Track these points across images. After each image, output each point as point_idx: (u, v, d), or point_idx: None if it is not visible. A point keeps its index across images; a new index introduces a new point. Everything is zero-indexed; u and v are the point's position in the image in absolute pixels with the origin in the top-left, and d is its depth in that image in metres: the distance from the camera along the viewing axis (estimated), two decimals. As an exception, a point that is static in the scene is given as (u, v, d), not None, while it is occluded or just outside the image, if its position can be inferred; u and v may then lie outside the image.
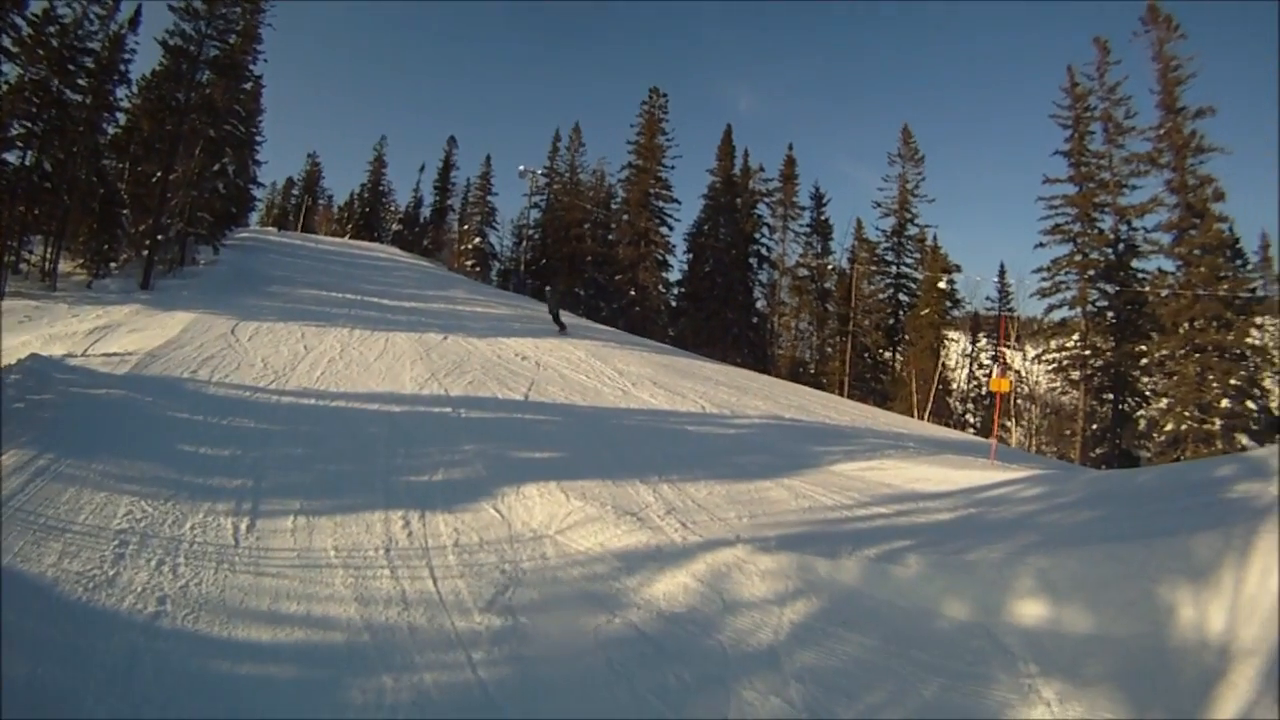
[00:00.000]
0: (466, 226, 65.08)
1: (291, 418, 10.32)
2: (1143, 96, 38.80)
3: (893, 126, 67.68)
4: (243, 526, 6.60)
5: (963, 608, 5.67)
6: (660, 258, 54.49)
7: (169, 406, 9.63)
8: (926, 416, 40.79)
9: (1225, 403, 33.75)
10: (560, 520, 7.58)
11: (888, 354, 51.84)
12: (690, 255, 54.84)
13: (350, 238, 61.22)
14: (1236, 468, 7.35)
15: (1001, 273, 50.87)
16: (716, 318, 49.87)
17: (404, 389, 12.81)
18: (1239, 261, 37.13)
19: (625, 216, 55.37)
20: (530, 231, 59.03)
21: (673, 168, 55.42)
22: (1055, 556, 5.80)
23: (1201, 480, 7.51)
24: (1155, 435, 36.34)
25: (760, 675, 4.99)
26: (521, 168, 56.40)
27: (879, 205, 52.96)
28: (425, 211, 70.60)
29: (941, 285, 47.82)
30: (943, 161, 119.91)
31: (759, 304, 54.85)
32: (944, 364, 48.20)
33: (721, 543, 6.89)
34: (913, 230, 52.25)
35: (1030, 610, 5.50)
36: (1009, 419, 45.74)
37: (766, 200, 55.65)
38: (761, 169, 56.05)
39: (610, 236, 56.23)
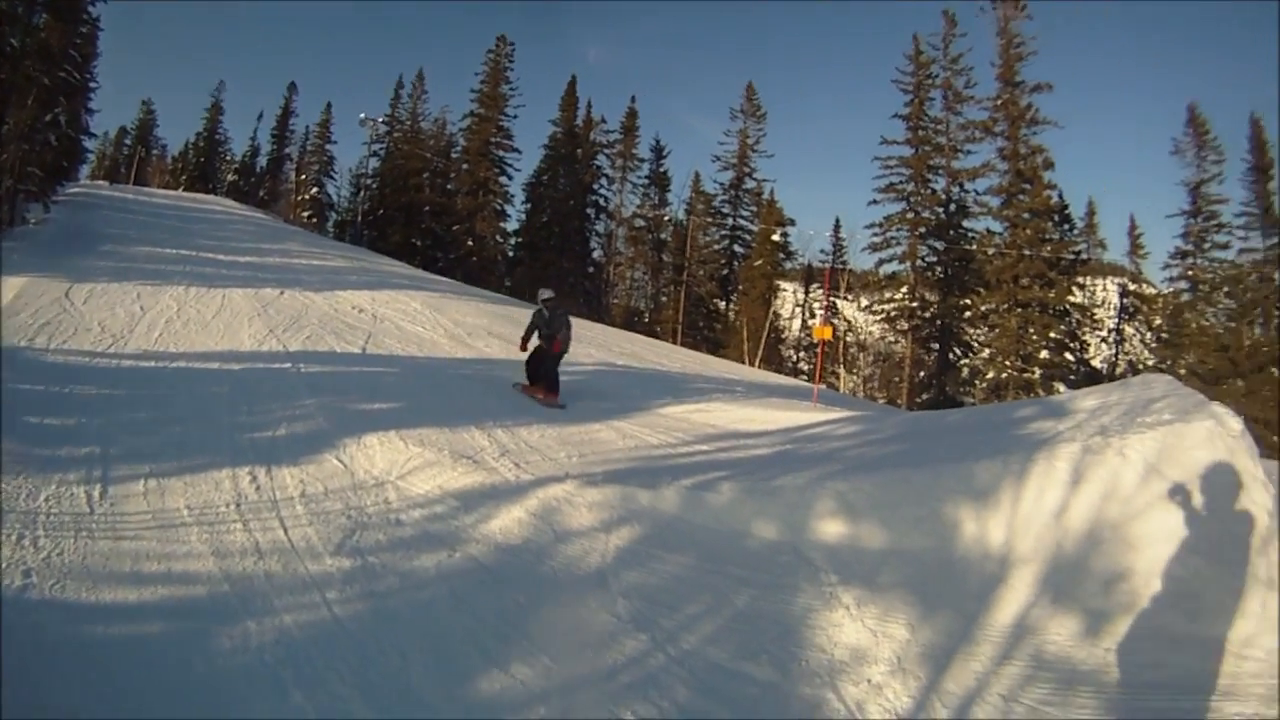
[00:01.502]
0: (304, 176, 63.50)
1: (133, 381, 10.18)
2: (984, 69, 41.51)
3: (738, 82, 69.18)
4: (95, 494, 6.59)
5: (771, 528, 6.37)
6: (499, 207, 55.03)
7: (8, 378, 9.17)
8: (758, 363, 43.20)
9: (1045, 354, 36.88)
10: (400, 466, 7.91)
11: (721, 304, 53.60)
12: (529, 205, 55.29)
13: (184, 190, 58.43)
14: (1036, 409, 8.44)
15: (836, 227, 53.44)
16: (553, 267, 50.26)
17: (243, 346, 12.79)
18: (1066, 226, 40.07)
19: (465, 166, 55.29)
20: (369, 181, 58.31)
21: (515, 117, 55.89)
22: (853, 481, 6.55)
23: (1003, 419, 8.56)
24: (978, 383, 39.49)
25: (591, 594, 5.56)
26: (362, 116, 55.45)
27: (718, 159, 54.47)
28: (262, 161, 68.26)
29: (775, 238, 49.62)
30: (784, 118, 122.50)
31: (595, 254, 56.07)
32: (776, 313, 50.53)
33: (552, 480, 7.42)
34: (750, 184, 54.01)
35: (831, 528, 6.24)
36: (840, 366, 48.20)
37: (607, 151, 56.51)
38: (603, 120, 56.81)
39: (449, 186, 56.16)
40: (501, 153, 55.15)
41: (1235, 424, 6.63)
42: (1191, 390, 7.59)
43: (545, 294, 12.91)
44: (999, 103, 40.86)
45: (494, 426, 9.61)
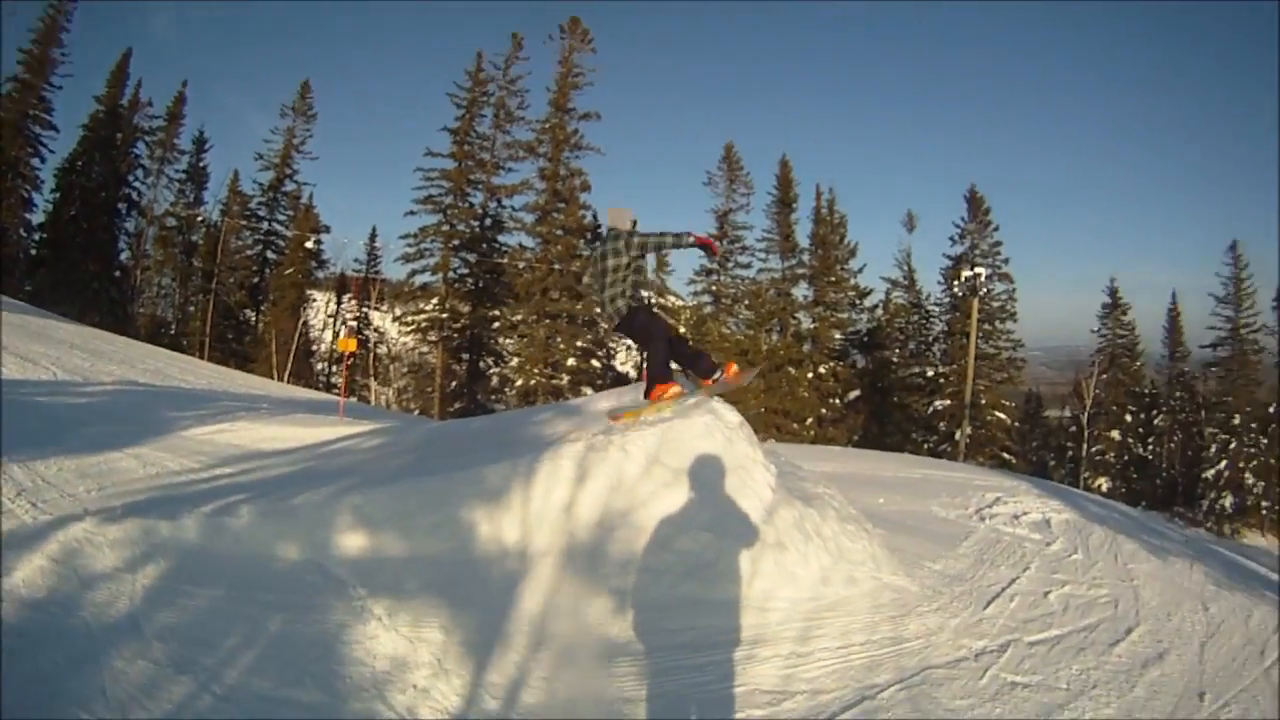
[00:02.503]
0: None
1: None
2: (540, 93, 44.43)
3: (296, 79, 64.32)
4: None
5: (294, 548, 6.37)
6: (26, 194, 45.90)
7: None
8: (287, 378, 42.14)
9: (572, 361, 40.67)
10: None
11: (251, 314, 50.88)
12: (58, 195, 46.92)
13: None
14: (554, 413, 9.17)
15: (372, 236, 53.57)
16: (77, 270, 44.17)
17: None
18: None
19: (-1, 143, 45.12)
20: None
21: (60, 87, 46.70)
22: (369, 494, 6.74)
23: (522, 424, 9.14)
24: (508, 390, 42.44)
25: (125, 643, 5.20)
26: None
27: (261, 157, 51.28)
28: None
29: (309, 244, 48.41)
30: (335, 119, 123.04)
31: (123, 256, 49.30)
32: (308, 325, 49.33)
33: (72, 519, 6.79)
34: (290, 187, 51.51)
35: (353, 542, 6.38)
36: (372, 379, 48.92)
37: (148, 139, 49.88)
38: (150, 103, 50.08)
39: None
40: (39, 129, 46.15)
41: (733, 417, 7.79)
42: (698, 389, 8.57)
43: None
44: (547, 126, 44.03)
45: (10, 463, 8.40)
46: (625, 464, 6.99)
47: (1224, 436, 41.33)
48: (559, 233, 42.92)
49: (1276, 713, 7.06)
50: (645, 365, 9.11)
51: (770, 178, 46.22)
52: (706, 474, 7.05)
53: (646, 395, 8.28)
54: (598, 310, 8.95)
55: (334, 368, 49.77)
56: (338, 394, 32.30)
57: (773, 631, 6.37)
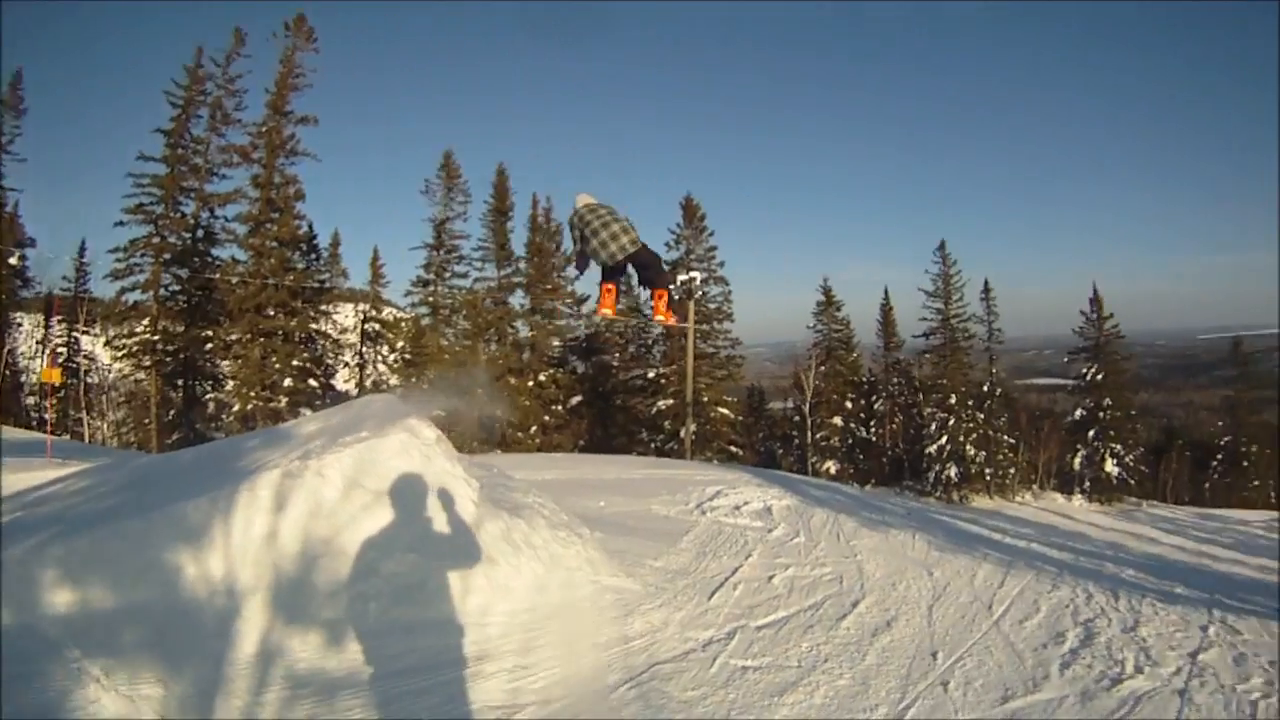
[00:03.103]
0: None
1: None
2: (259, 94, 40.84)
3: None
4: None
5: (2, 612, 5.73)
6: None
7: None
8: None
9: (290, 382, 38.90)
10: None
11: None
12: None
13: None
14: (261, 439, 8.82)
15: (81, 250, 47.96)
16: None
17: None
18: (313, 256, 41.94)
19: None
20: None
21: None
22: (71, 543, 6.21)
23: (231, 453, 8.68)
24: (226, 416, 39.58)
25: None
26: None
27: None
28: None
29: (13, 261, 42.56)
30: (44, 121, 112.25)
31: None
32: (13, 353, 43.98)
33: None
34: None
35: (62, 599, 5.84)
36: (84, 412, 44.58)
37: None
38: None
39: None
40: None
41: (429, 433, 7.75)
42: (406, 405, 8.72)
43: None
44: (263, 130, 40.75)
45: None
46: (323, 489, 6.83)
47: (942, 415, 45.29)
48: (272, 245, 40.20)
49: (1009, 661, 7.64)
50: (652, 285, 9.67)
51: (488, 186, 45.68)
52: (406, 493, 6.99)
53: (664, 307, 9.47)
54: (618, 242, 8.51)
55: (45, 402, 43.75)
56: (49, 430, 29.41)
57: (494, 646, 6.40)
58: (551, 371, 43.78)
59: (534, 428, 41.24)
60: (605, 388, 45.48)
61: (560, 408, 42.99)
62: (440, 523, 7.04)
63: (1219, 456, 59.49)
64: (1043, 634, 8.68)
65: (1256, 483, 57.61)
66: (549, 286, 44.69)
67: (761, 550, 10.82)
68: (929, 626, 8.58)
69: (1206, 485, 59.28)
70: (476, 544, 7.17)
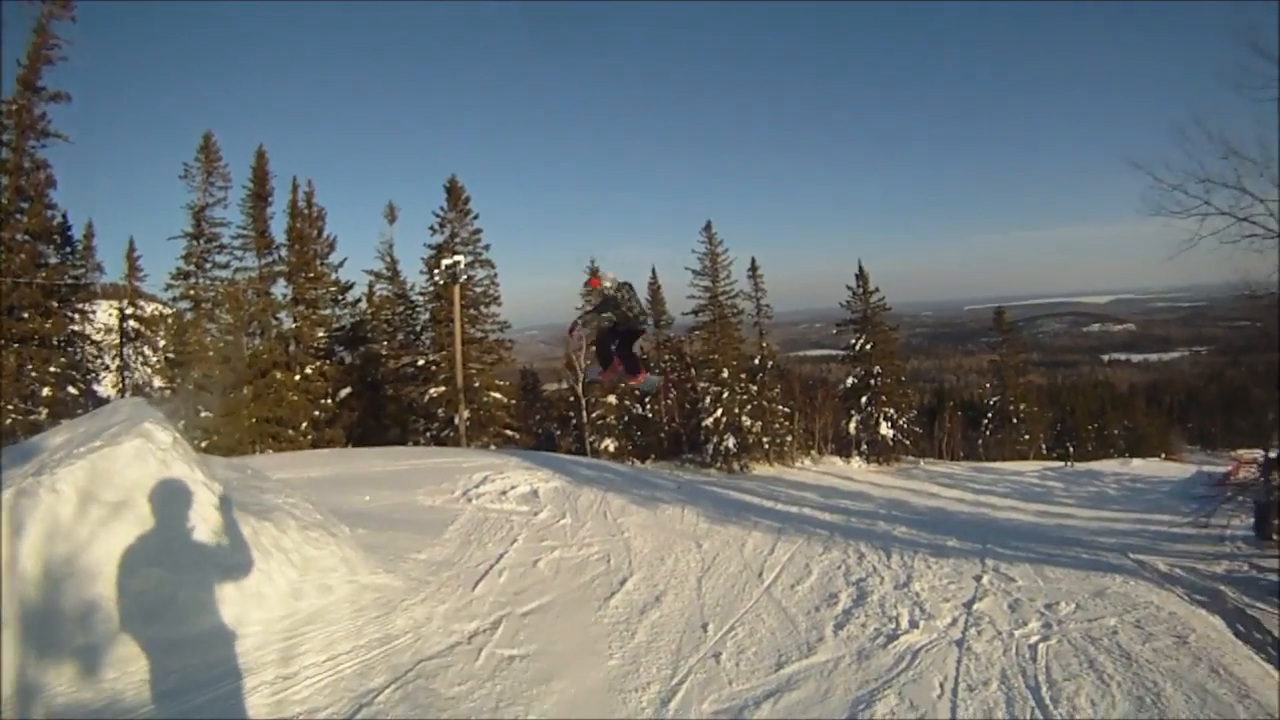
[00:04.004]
0: None
1: None
2: (10, 66, 36.22)
3: None
4: None
5: None
6: None
7: None
8: None
9: (49, 391, 35.99)
10: None
11: None
12: None
13: None
14: (10, 456, 7.74)
15: None
16: None
17: None
18: (68, 249, 39.11)
19: None
20: None
21: None
22: None
23: None
24: None
25: None
26: None
27: None
28: None
29: None
30: None
31: None
32: None
33: None
34: None
35: None
36: None
37: None
38: None
39: None
40: None
41: (166, 437, 7.12)
42: (151, 409, 8.07)
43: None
44: (14, 108, 36.34)
45: None
46: (58, 505, 6.16)
47: (716, 388, 46.07)
48: (23, 238, 36.67)
49: (782, 627, 7.74)
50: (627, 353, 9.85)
51: (248, 170, 43.10)
52: (145, 504, 6.40)
53: (633, 374, 9.51)
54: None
55: None
56: None
57: (255, 658, 5.97)
58: (318, 363, 41.14)
59: (304, 423, 39.37)
60: (375, 377, 43.59)
61: (330, 401, 40.99)
62: (183, 533, 6.46)
63: (989, 415, 64.61)
64: (815, 597, 8.88)
65: (1027, 436, 62.85)
66: (311, 275, 41.97)
67: (527, 535, 10.74)
68: (699, 599, 8.65)
69: (980, 442, 64.34)
70: (223, 552, 6.65)
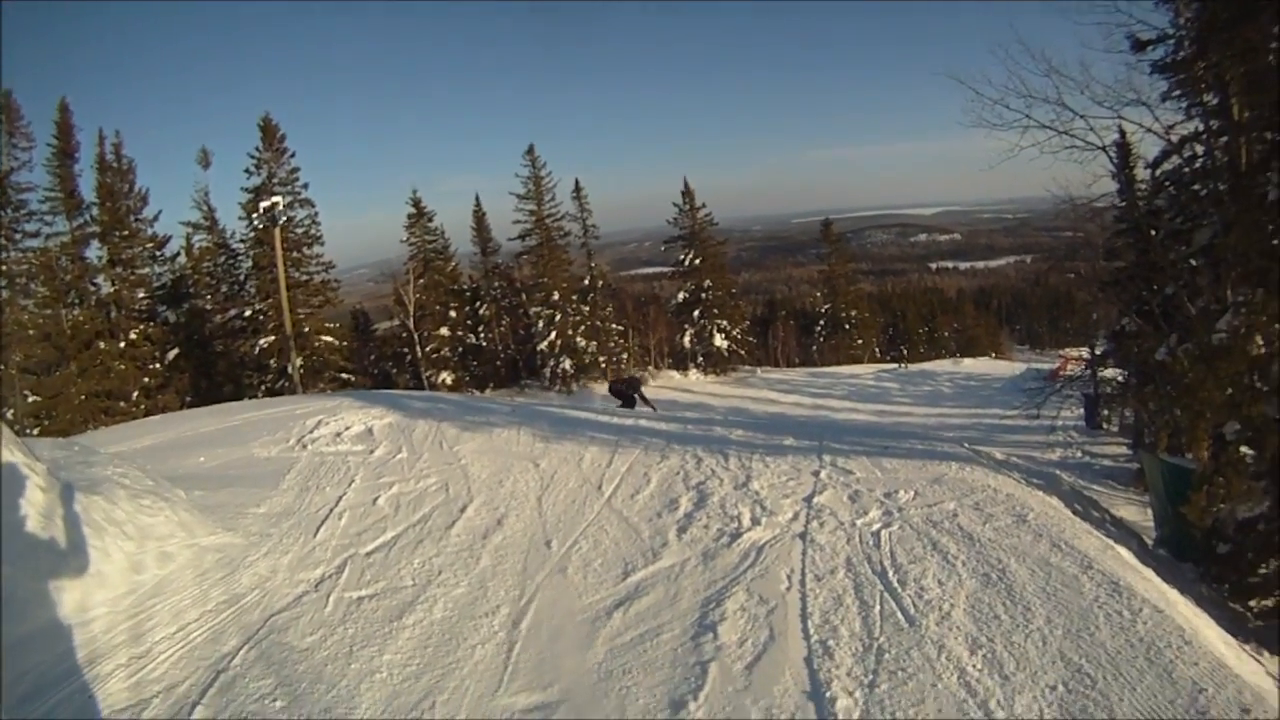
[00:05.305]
0: None
1: None
2: None
3: None
4: None
5: None
6: None
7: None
8: None
9: None
10: None
11: None
12: None
13: None
14: None
15: None
16: None
17: None
18: None
19: None
20: None
21: None
22: None
23: None
24: None
25: None
26: None
27: None
28: None
29: None
30: None
31: None
32: None
33: None
34: None
35: None
36: None
37: None
38: None
39: None
40: None
41: None
42: None
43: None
44: None
45: None
46: None
47: (548, 312, 46.44)
48: None
49: (625, 536, 7.75)
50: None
51: (52, 127, 39.82)
52: None
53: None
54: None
55: None
56: None
57: (105, 643, 5.59)
58: (142, 327, 39.10)
59: (135, 393, 37.32)
60: (202, 334, 41.62)
61: (159, 365, 39.03)
62: (10, 524, 5.89)
63: (821, 323, 66.92)
64: (656, 504, 8.92)
65: (860, 341, 65.49)
66: (125, 233, 39.28)
67: (364, 474, 10.51)
68: (540, 517, 8.62)
69: (814, 348, 66.26)
70: (55, 537, 6.16)
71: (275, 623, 5.97)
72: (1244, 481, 8.66)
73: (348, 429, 12.94)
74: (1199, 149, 16.29)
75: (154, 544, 6.91)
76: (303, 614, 6.15)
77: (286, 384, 38.25)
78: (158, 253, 40.46)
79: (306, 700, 4.99)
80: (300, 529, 8.18)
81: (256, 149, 41.27)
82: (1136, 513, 14.12)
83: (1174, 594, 6.75)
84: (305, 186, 42.03)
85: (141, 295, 39.20)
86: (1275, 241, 8.34)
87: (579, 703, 4.88)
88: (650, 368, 51.53)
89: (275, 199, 38.40)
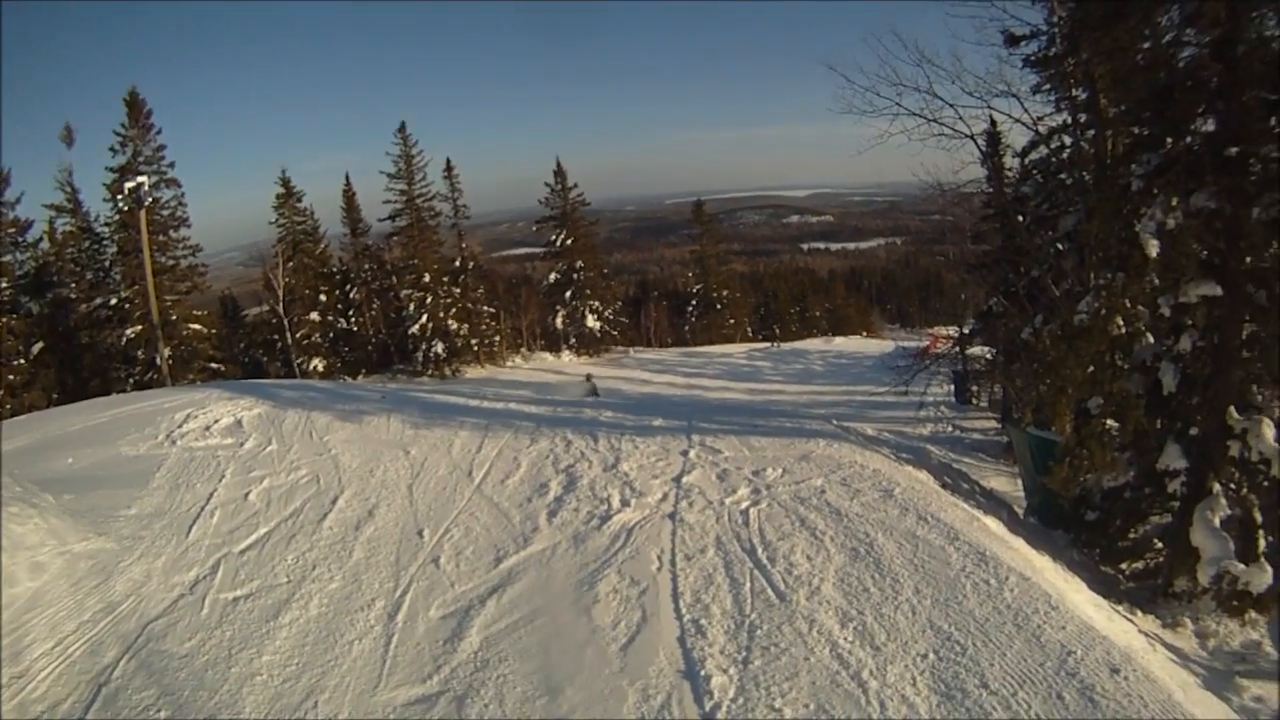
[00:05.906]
0: None
1: None
2: None
3: None
4: None
5: None
6: None
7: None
8: None
9: None
10: None
11: None
12: None
13: None
14: None
15: None
16: None
17: None
18: None
19: None
20: None
21: None
22: None
23: None
24: None
25: None
26: None
27: None
28: None
29: None
30: None
31: None
32: None
33: None
34: None
35: None
36: None
37: None
38: None
39: None
40: None
41: None
42: None
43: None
44: None
45: None
46: None
47: (419, 294, 45.34)
48: None
49: (497, 522, 7.82)
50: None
51: None
52: None
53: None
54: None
55: None
56: None
57: None
58: (3, 320, 37.58)
59: (-1, 392, 35.62)
60: (67, 326, 39.84)
61: (23, 361, 37.34)
62: None
63: (694, 303, 67.21)
64: (526, 488, 9.03)
65: (732, 321, 66.10)
66: None
67: (235, 468, 10.30)
68: (411, 506, 8.65)
69: (686, 328, 66.70)
70: None
71: (153, 630, 5.90)
72: (1107, 453, 9.10)
73: (217, 422, 12.64)
74: (1066, 140, 17.07)
75: (25, 554, 6.72)
76: (179, 619, 6.09)
77: (155, 376, 36.47)
78: (19, 239, 38.38)
79: (190, 708, 4.97)
80: (172, 530, 8.03)
81: (122, 125, 39.09)
82: (1007, 483, 14.58)
83: (1042, 561, 7.16)
84: (172, 165, 40.05)
85: (4, 285, 37.28)
86: (1135, 228, 8.74)
87: (458, 693, 4.97)
88: (523, 350, 51.25)
89: (140, 179, 36.33)
